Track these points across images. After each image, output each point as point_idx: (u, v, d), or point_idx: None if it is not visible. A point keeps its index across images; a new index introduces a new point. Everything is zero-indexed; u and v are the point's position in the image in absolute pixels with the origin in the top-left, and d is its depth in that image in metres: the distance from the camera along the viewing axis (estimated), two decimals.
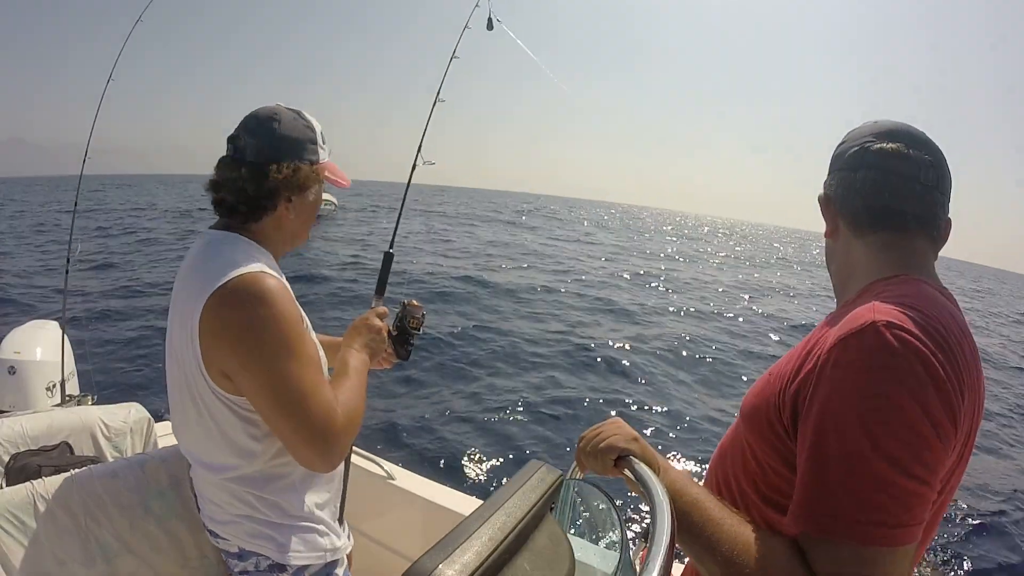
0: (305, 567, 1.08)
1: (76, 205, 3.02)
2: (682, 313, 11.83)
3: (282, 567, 1.07)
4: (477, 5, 1.90)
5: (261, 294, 0.94)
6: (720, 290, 16.39)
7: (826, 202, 0.84)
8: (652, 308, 11.90)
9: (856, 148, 0.78)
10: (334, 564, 1.14)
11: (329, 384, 1.02)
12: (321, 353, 1.07)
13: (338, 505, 1.20)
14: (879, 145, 0.76)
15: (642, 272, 17.74)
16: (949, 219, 0.78)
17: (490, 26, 1.90)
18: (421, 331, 1.37)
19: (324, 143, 1.12)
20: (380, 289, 1.53)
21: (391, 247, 1.64)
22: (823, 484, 0.61)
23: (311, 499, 1.10)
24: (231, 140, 1.07)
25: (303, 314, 1.05)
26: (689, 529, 0.69)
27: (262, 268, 0.98)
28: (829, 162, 0.85)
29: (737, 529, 0.66)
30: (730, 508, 0.71)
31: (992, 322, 19.03)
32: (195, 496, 1.17)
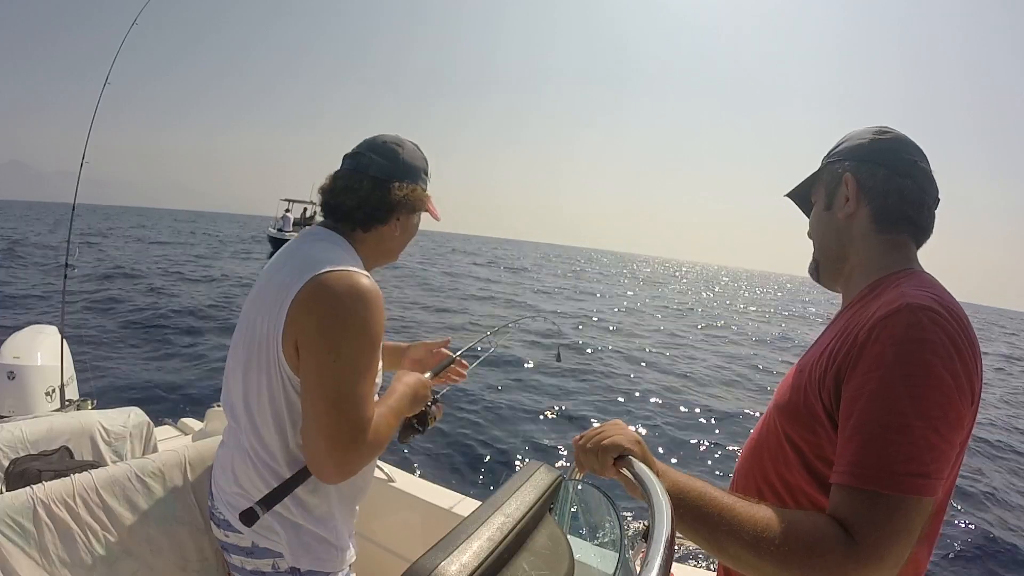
0: (316, 573, 1.07)
1: (74, 210, 3.01)
2: None
3: (297, 571, 1.05)
4: None
5: (367, 296, 0.97)
6: None
7: (856, 185, 0.89)
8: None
9: (908, 159, 0.87)
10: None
11: (374, 403, 1.01)
12: (380, 364, 1.08)
13: (355, 519, 1.19)
14: (924, 165, 0.88)
15: None
16: None
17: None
18: (425, 430, 1.30)
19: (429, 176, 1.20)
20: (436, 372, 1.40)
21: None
22: (868, 441, 0.67)
23: (339, 507, 1.10)
24: (352, 156, 1.14)
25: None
26: (705, 521, 0.70)
27: (368, 276, 1.01)
28: (850, 147, 0.91)
29: (752, 510, 0.69)
30: (739, 495, 0.73)
31: None
32: (211, 490, 1.15)
